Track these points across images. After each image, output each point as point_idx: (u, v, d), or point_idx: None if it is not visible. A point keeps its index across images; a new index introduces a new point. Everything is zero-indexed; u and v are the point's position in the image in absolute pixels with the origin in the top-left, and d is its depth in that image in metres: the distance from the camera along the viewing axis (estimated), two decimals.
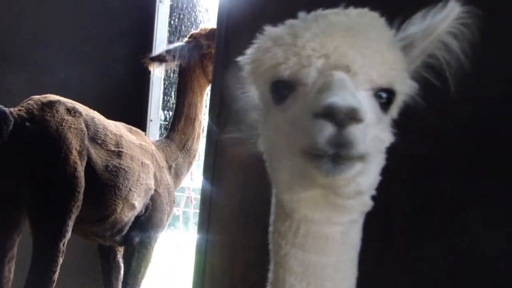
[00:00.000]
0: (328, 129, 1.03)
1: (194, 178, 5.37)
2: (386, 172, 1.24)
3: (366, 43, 1.14)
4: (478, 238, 2.07)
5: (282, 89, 1.19)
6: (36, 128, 3.67)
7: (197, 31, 5.00)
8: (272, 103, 1.23)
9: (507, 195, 1.90)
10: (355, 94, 1.07)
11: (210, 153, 3.86)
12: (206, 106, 4.92)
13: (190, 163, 5.01)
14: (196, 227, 4.26)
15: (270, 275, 1.34)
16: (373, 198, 1.23)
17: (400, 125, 1.27)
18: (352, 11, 1.20)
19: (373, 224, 1.34)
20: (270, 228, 1.33)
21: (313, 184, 1.14)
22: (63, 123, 3.72)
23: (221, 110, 3.69)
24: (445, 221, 2.14)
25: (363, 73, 1.13)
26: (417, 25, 1.26)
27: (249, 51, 1.26)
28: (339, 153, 1.05)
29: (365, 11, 1.22)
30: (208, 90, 4.90)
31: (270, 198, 1.39)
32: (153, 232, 4.49)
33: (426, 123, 1.89)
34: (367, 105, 1.13)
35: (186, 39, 4.99)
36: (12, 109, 3.61)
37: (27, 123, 3.64)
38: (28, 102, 3.78)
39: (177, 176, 4.88)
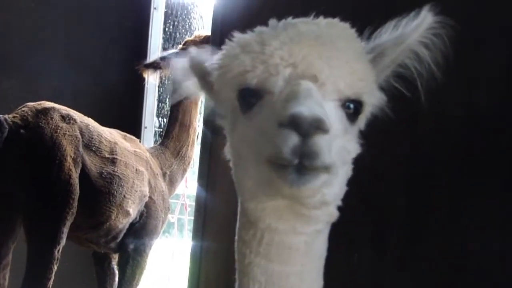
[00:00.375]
0: (292, 139, 1.03)
1: (188, 185, 5.36)
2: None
3: (335, 53, 1.13)
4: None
5: (249, 97, 1.17)
6: (30, 135, 3.67)
7: (192, 38, 5.00)
8: (239, 111, 1.21)
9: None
10: (322, 104, 1.07)
11: (204, 160, 3.88)
12: (200, 113, 4.98)
13: (184, 170, 5.01)
14: (191, 234, 4.29)
15: (236, 284, 1.33)
16: (339, 208, 1.22)
17: (366, 137, 1.26)
18: (322, 21, 1.20)
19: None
20: (236, 237, 1.32)
21: (278, 193, 1.14)
22: (58, 130, 3.73)
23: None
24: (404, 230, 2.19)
25: (331, 83, 1.12)
26: (388, 34, 1.26)
27: (217, 57, 1.24)
28: (304, 163, 1.04)
29: (335, 21, 1.21)
30: (202, 97, 4.84)
31: None
32: (147, 239, 4.49)
33: (393, 135, 1.92)
34: (334, 116, 1.12)
35: (180, 46, 5.00)
36: (6, 116, 3.62)
37: (21, 130, 3.64)
38: (23, 109, 3.79)
39: (171, 183, 4.88)
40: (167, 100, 5.55)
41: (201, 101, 4.83)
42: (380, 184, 1.62)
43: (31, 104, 3.84)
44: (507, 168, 1.87)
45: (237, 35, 1.21)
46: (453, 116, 2.05)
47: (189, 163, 5.01)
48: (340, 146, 1.12)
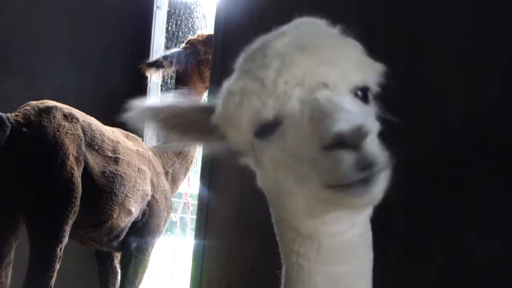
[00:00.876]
0: (346, 157, 1.02)
1: (191, 184, 5.39)
2: None
3: (327, 52, 1.15)
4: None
5: (266, 128, 1.17)
6: (33, 133, 3.69)
7: (194, 37, 5.06)
8: (258, 142, 1.21)
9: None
10: (348, 108, 1.08)
11: (207, 159, 3.80)
12: None
13: (187, 169, 5.04)
14: (193, 233, 4.29)
15: None
16: None
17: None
18: (298, 27, 1.21)
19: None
20: (283, 256, 1.31)
21: (348, 207, 1.14)
22: (60, 129, 3.75)
23: None
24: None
25: (340, 81, 1.14)
26: None
27: (216, 116, 1.24)
28: (369, 174, 1.04)
29: (306, 20, 1.24)
30: (205, 96, 4.98)
31: (266, 204, 1.38)
32: (150, 238, 4.53)
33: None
34: (356, 108, 1.13)
35: (183, 45, 5.05)
36: (9, 115, 3.64)
37: (24, 129, 3.66)
38: (25, 107, 3.81)
39: (174, 182, 4.91)
40: None
41: (204, 100, 4.83)
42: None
43: (33, 103, 3.87)
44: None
45: (225, 84, 1.22)
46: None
47: (191, 162, 5.04)
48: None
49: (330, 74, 1.12)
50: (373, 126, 1.15)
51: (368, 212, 1.24)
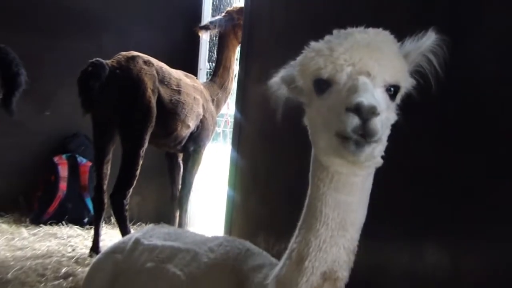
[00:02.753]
0: (355, 121, 1.13)
1: (230, 107, 5.86)
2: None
3: (381, 55, 1.23)
4: None
5: (321, 84, 1.26)
6: (123, 74, 4.28)
7: (231, 8, 5.62)
8: (314, 94, 1.30)
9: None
10: (374, 94, 1.17)
11: (239, 91, 4.36)
12: (237, 59, 5.48)
13: (227, 97, 5.64)
14: (231, 141, 4.57)
15: (306, 204, 1.39)
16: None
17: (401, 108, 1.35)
18: (371, 31, 1.29)
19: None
20: (310, 174, 1.37)
21: (342, 158, 1.23)
22: (142, 71, 4.33)
23: (247, 63, 4.28)
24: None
25: (379, 76, 1.23)
26: (409, 44, 1.37)
27: (299, 59, 1.34)
28: (365, 139, 1.15)
29: (380, 30, 1.31)
30: (238, 48, 5.47)
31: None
32: (202, 143, 5.14)
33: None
34: (381, 98, 1.22)
35: (223, 14, 5.62)
36: (107, 61, 4.27)
37: (117, 71, 4.27)
38: (118, 56, 4.43)
39: (218, 106, 5.50)
40: (215, 50, 5.84)
41: (237, 51, 5.49)
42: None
43: (123, 53, 4.47)
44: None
45: (312, 43, 1.30)
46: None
47: (229, 93, 5.59)
48: (384, 118, 1.21)
49: (375, 69, 1.21)
50: (389, 116, 1.28)
51: (370, 170, 1.33)
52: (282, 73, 1.46)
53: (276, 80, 1.47)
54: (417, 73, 1.39)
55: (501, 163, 1.71)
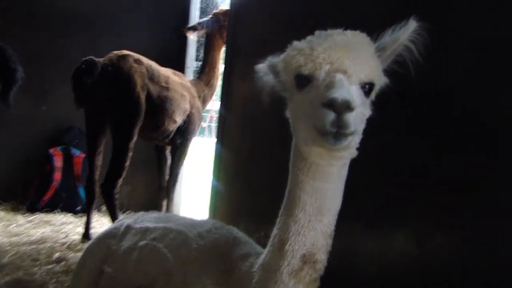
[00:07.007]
0: (331, 115, 1.14)
1: (214, 104, 5.91)
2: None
3: (358, 55, 1.24)
4: None
5: (302, 80, 1.27)
6: (114, 71, 4.22)
7: (217, 10, 5.60)
8: (296, 89, 1.31)
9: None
10: (350, 90, 1.17)
11: (224, 88, 4.38)
12: (222, 58, 5.45)
13: (212, 94, 5.61)
14: (215, 135, 4.61)
15: (287, 192, 1.39)
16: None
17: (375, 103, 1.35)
18: (349, 32, 1.30)
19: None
20: (290, 163, 1.38)
21: (321, 147, 1.25)
22: (132, 68, 4.28)
23: (231, 61, 4.28)
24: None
25: (355, 75, 1.24)
26: (388, 35, 1.37)
27: (282, 56, 1.34)
28: (339, 132, 1.15)
29: (357, 32, 1.31)
30: (223, 48, 5.44)
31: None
32: (188, 137, 5.10)
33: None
34: (356, 95, 1.23)
35: (210, 16, 5.60)
36: (100, 59, 4.23)
37: (109, 68, 4.21)
38: (110, 55, 4.37)
39: (204, 102, 5.48)
40: (201, 50, 5.85)
41: (223, 51, 5.46)
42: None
43: (115, 52, 4.43)
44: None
45: (294, 42, 1.31)
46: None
47: (215, 90, 5.62)
48: (359, 112, 1.23)
49: (351, 68, 1.22)
50: (364, 111, 1.29)
51: (346, 161, 1.34)
52: (268, 61, 1.47)
53: (263, 66, 1.48)
54: (397, 63, 1.40)
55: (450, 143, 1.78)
